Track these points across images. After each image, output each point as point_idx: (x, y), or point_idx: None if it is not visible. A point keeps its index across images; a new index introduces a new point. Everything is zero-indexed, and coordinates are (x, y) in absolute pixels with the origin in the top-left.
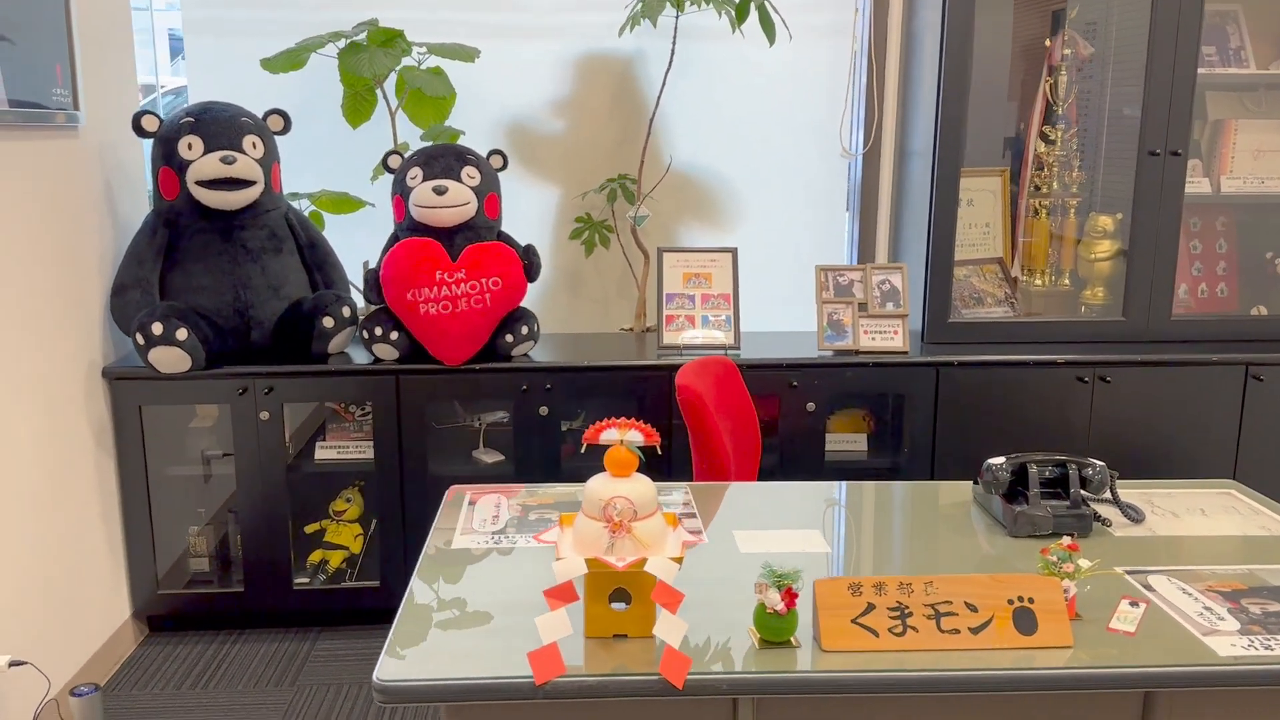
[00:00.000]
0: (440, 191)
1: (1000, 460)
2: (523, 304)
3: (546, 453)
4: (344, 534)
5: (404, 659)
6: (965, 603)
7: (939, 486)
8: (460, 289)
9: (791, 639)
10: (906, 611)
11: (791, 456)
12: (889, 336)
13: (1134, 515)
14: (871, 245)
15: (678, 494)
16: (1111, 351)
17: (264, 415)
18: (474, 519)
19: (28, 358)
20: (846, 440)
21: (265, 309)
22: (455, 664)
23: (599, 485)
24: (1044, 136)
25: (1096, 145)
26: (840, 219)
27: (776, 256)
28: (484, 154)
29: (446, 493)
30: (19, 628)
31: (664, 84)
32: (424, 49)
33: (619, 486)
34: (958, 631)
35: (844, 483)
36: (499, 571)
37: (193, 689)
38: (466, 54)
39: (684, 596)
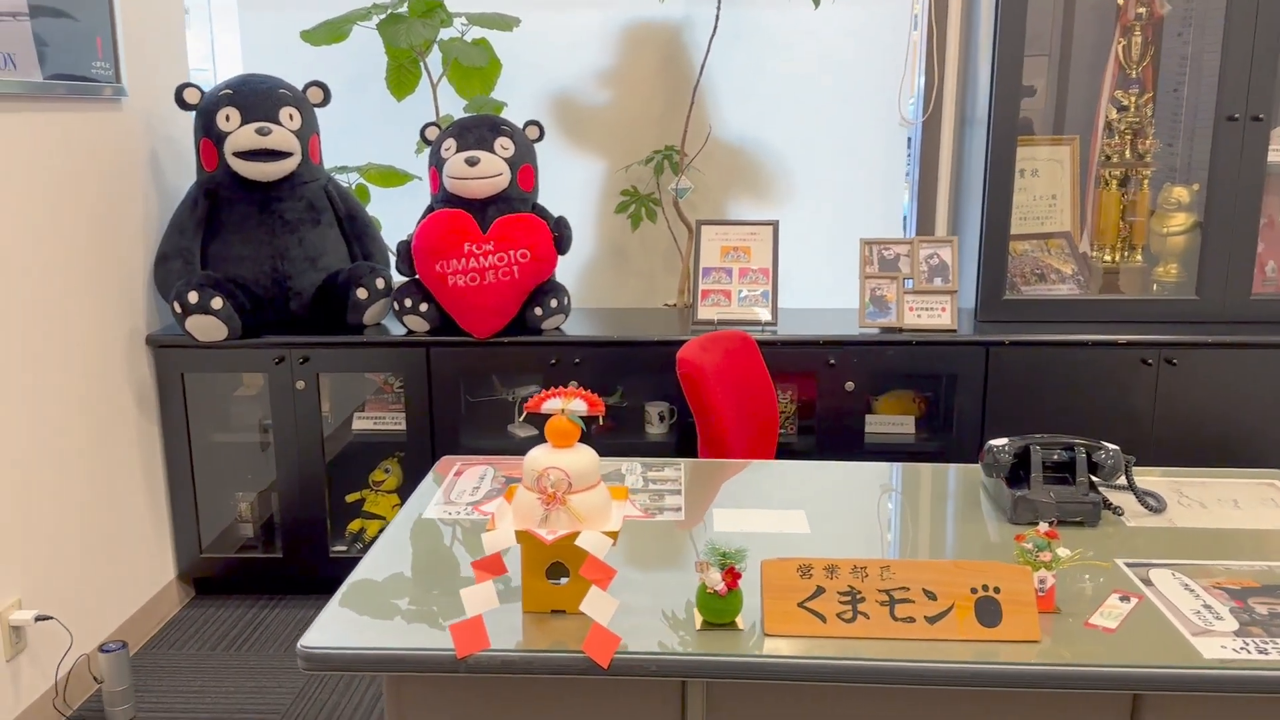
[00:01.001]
0: (472, 162)
1: (1002, 441)
2: (559, 278)
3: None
4: (382, 504)
5: (333, 627)
6: (924, 590)
7: (952, 469)
8: (488, 261)
9: (736, 621)
10: (858, 597)
11: (829, 438)
12: (936, 314)
13: (1153, 504)
14: (931, 219)
15: (670, 470)
16: (1181, 332)
17: (300, 384)
18: (454, 490)
19: (73, 324)
20: (892, 423)
21: (303, 280)
22: (383, 635)
23: (537, 455)
24: (1116, 102)
25: (1172, 110)
26: (897, 192)
27: (828, 231)
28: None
29: (438, 463)
30: (59, 585)
31: (708, 50)
32: (464, 19)
33: (558, 458)
34: (912, 620)
35: (847, 462)
36: (459, 545)
37: (227, 650)
38: (505, 23)
39: (615, 573)
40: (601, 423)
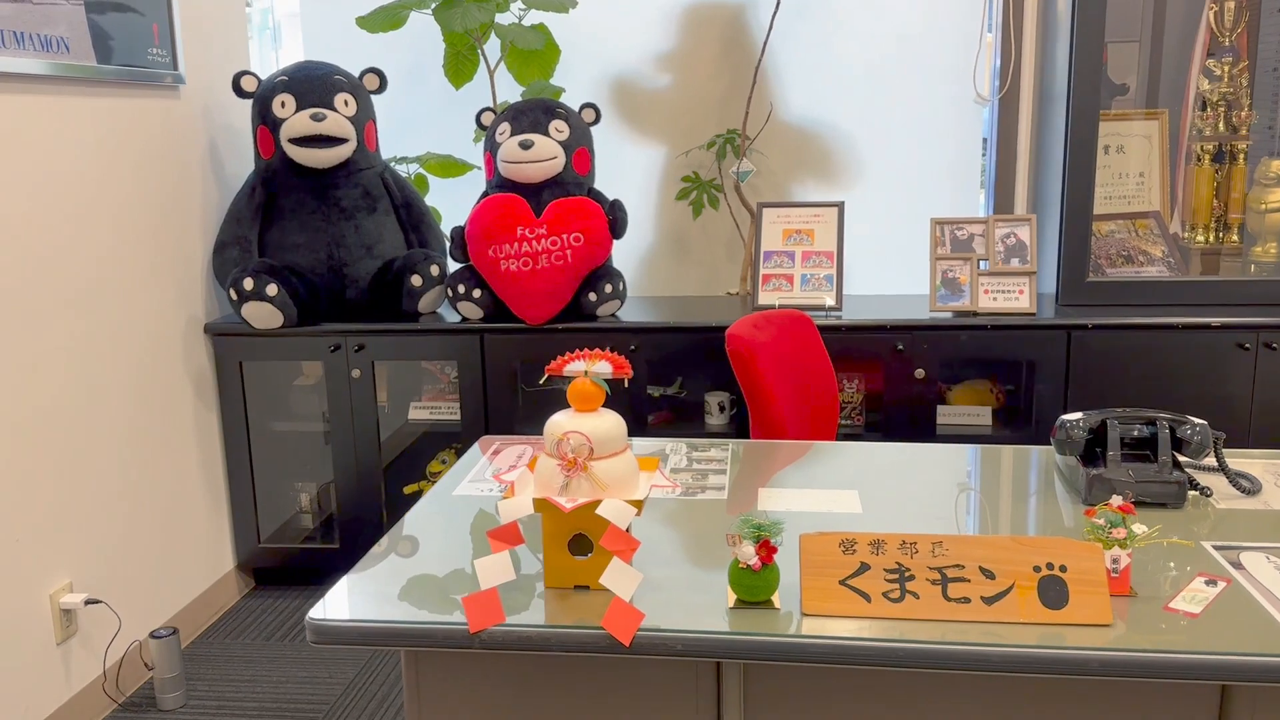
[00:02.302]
0: (526, 146)
1: (1076, 416)
2: (617, 266)
3: (633, 417)
4: None
5: (346, 601)
6: (980, 568)
7: (1025, 451)
8: (540, 245)
9: (771, 599)
10: (907, 575)
11: (897, 430)
12: (1013, 296)
13: (1246, 485)
14: (1009, 202)
15: (717, 450)
16: None
17: (355, 373)
18: (489, 468)
19: (132, 311)
20: (967, 413)
21: (359, 267)
22: (397, 609)
23: (559, 420)
24: (1208, 72)
25: (1270, 80)
26: (973, 173)
27: (897, 215)
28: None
29: (478, 442)
30: (112, 571)
31: (770, 28)
32: (521, 3)
33: (580, 422)
34: (967, 600)
35: (909, 444)
36: (487, 521)
37: (281, 641)
38: (561, 5)
39: (638, 544)
40: (627, 385)
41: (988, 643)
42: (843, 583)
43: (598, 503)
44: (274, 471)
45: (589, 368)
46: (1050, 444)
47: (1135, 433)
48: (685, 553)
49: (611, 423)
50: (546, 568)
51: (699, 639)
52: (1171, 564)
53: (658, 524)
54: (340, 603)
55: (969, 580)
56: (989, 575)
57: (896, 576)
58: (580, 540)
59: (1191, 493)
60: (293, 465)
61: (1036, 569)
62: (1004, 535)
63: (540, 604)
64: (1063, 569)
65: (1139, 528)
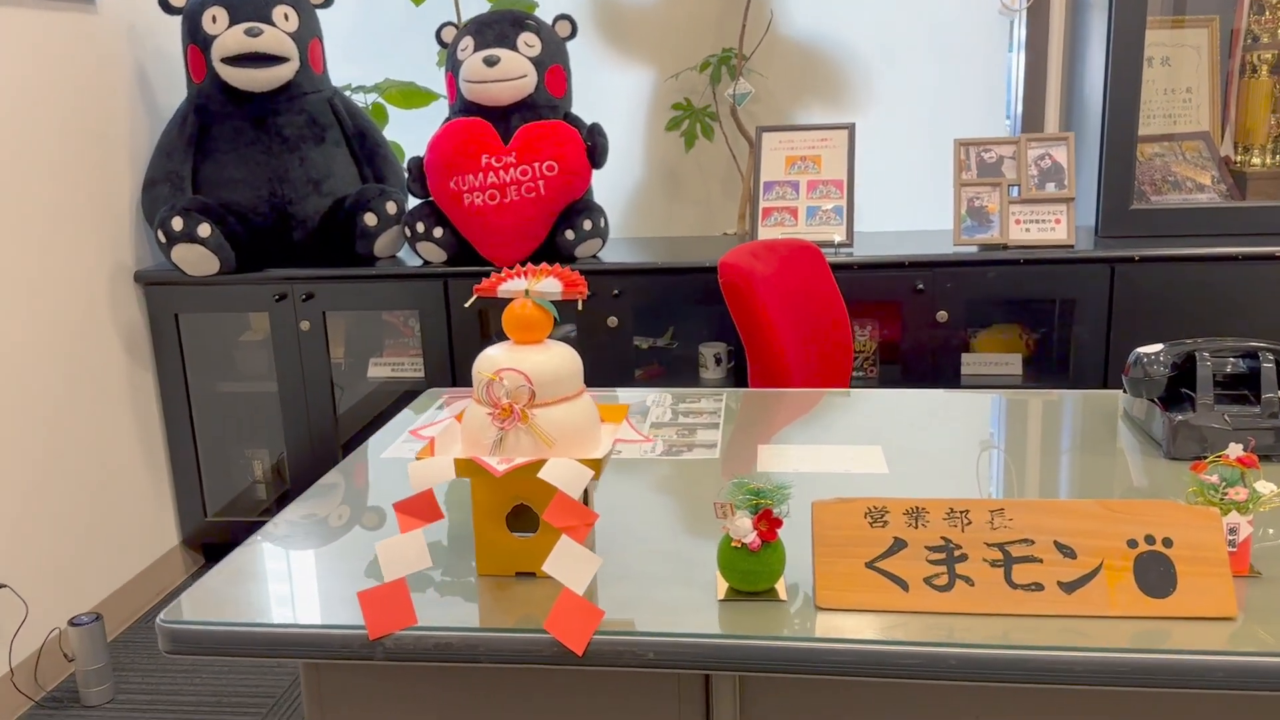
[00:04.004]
0: (491, 63)
1: (1155, 349)
2: (598, 200)
3: (618, 371)
4: None
5: (217, 598)
6: (1056, 543)
7: (1077, 396)
8: (509, 176)
9: (775, 589)
10: (957, 554)
11: (917, 380)
12: (1048, 227)
13: None
14: (1039, 124)
15: (709, 401)
16: None
17: (304, 325)
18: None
19: (50, 258)
20: (994, 362)
21: (306, 205)
22: (283, 608)
23: (492, 354)
24: None
25: None
26: (997, 93)
27: (914, 141)
28: (550, 21)
29: (425, 394)
30: (28, 551)
31: None
32: None
33: (519, 357)
34: (1039, 588)
35: (939, 390)
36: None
37: None
38: None
39: (595, 517)
40: (581, 308)
41: (1067, 645)
42: (870, 565)
43: (541, 463)
44: (222, 438)
45: (531, 286)
46: (1104, 389)
47: (1230, 368)
48: (662, 529)
49: (560, 359)
50: (478, 550)
51: (678, 644)
52: None
53: (626, 492)
54: (206, 600)
55: (1041, 560)
56: (1068, 553)
57: (943, 556)
58: (522, 514)
59: None
60: (243, 431)
61: (1132, 543)
62: (1087, 500)
63: (470, 599)
64: (1168, 543)
65: (1265, 486)
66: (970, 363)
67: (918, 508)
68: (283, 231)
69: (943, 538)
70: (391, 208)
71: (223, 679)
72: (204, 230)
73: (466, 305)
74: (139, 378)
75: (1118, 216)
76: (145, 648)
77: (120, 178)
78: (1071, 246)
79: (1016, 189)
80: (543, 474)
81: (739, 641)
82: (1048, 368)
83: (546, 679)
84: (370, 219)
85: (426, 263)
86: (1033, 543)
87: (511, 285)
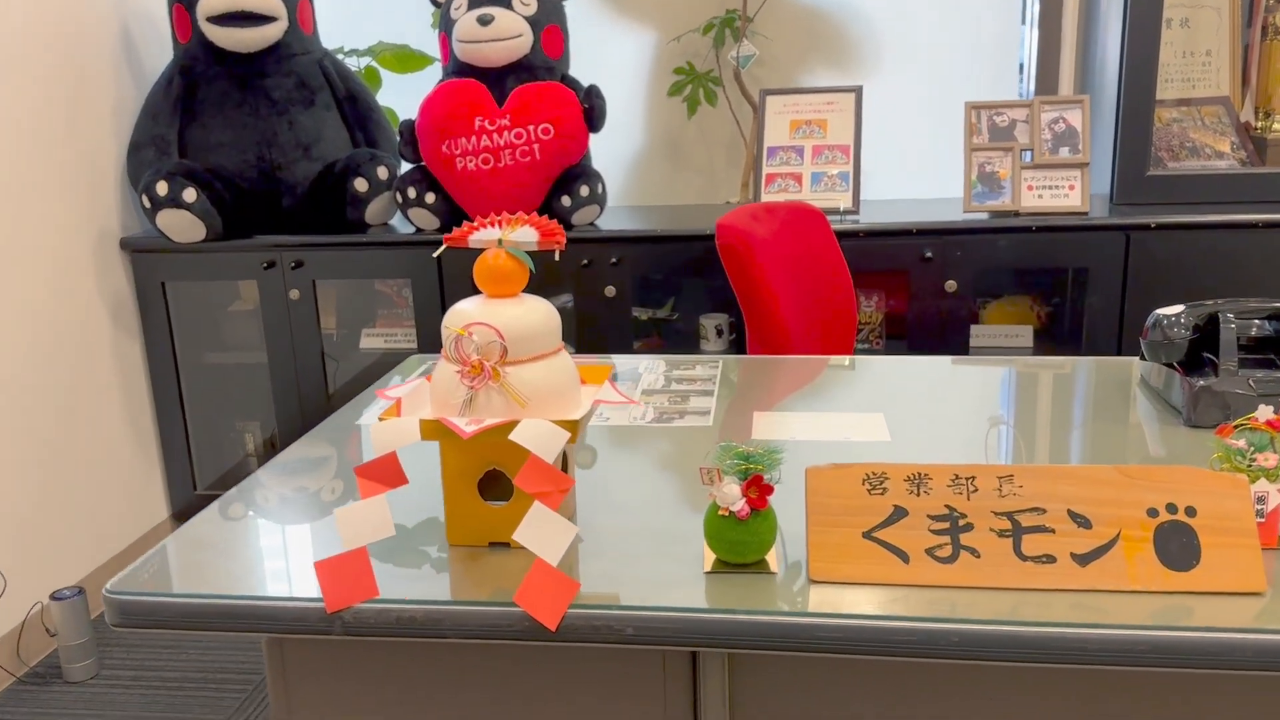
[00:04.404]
0: (485, 21)
1: (1176, 310)
2: (596, 167)
3: (616, 343)
4: None
5: (172, 567)
6: (1070, 512)
7: (1090, 362)
8: (503, 139)
9: (765, 560)
10: (962, 523)
11: (923, 350)
12: (1061, 193)
13: None
14: (1052, 85)
15: (703, 368)
16: None
17: (293, 294)
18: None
19: (33, 223)
20: (1005, 334)
21: (295, 170)
22: (240, 579)
23: (464, 309)
24: None
25: None
26: (1009, 53)
27: (924, 105)
28: None
29: (408, 360)
30: (20, 522)
31: None
32: None
33: (491, 312)
34: (1051, 560)
35: (947, 357)
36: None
37: None
38: None
39: (571, 483)
40: (558, 258)
41: (1081, 622)
42: (868, 535)
43: (513, 424)
44: (211, 410)
45: (504, 235)
46: (1117, 355)
47: (1255, 330)
48: (648, 499)
49: (535, 313)
50: (448, 519)
51: (660, 619)
52: None
53: (610, 460)
54: (158, 571)
55: (1053, 530)
56: (1083, 522)
57: (948, 526)
58: (496, 480)
59: None
60: (234, 403)
61: (1152, 512)
62: (1102, 465)
63: (439, 571)
64: (1190, 512)
65: None
66: (979, 334)
67: (920, 473)
68: (271, 197)
69: (946, 506)
70: (383, 173)
71: (209, 655)
72: (189, 195)
73: (435, 255)
74: (125, 348)
75: (1134, 183)
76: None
77: (104, 142)
78: (1086, 213)
79: (1029, 154)
80: (514, 435)
81: (726, 616)
82: (1059, 340)
83: (520, 657)
84: (361, 184)
85: (418, 230)
86: (1044, 511)
87: (484, 235)
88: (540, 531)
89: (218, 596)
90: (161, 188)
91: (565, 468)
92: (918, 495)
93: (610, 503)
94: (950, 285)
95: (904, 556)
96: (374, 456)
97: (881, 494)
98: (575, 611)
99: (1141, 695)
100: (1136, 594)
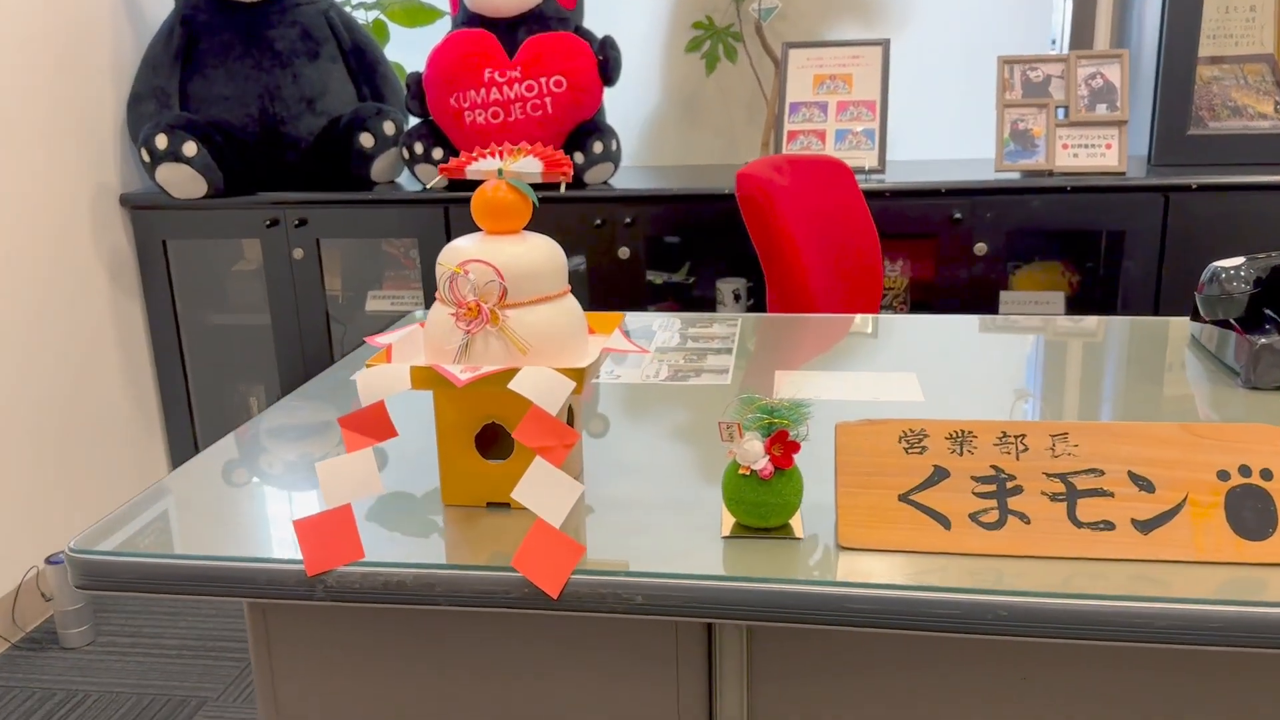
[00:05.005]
0: None
1: (1236, 263)
2: (604, 117)
3: (630, 307)
4: None
5: (141, 525)
6: (1131, 474)
7: (1135, 322)
8: (514, 91)
9: (790, 525)
10: (1011, 485)
11: (951, 314)
12: (1098, 152)
13: None
14: (1088, 40)
15: (721, 326)
16: None
17: (297, 253)
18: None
19: (28, 178)
20: (1035, 300)
21: (300, 125)
22: (218, 539)
23: (460, 246)
24: None
25: None
26: (1043, 6)
27: (953, 62)
28: None
29: (413, 313)
30: (16, 483)
31: None
32: None
33: (491, 249)
34: (1110, 526)
35: (981, 316)
36: (405, 413)
37: None
38: None
39: (577, 437)
40: (564, 190)
41: (1142, 595)
42: (905, 498)
43: (512, 373)
44: (215, 372)
45: (505, 166)
46: (1162, 316)
47: None
48: (661, 460)
49: (540, 251)
50: (442, 476)
51: (673, 586)
52: None
53: (621, 418)
54: (125, 529)
55: (1112, 494)
56: (1145, 485)
57: (994, 488)
58: (494, 434)
59: None
60: (238, 365)
61: (1223, 475)
62: (1167, 423)
63: (432, 532)
64: (1266, 475)
65: None
66: (1009, 301)
67: (963, 430)
68: (275, 152)
69: (993, 466)
70: (390, 128)
71: (209, 622)
72: (190, 149)
73: (429, 186)
74: (125, 307)
75: (1173, 143)
76: None
77: (104, 94)
78: (1123, 174)
79: (1064, 111)
80: (514, 384)
81: (746, 585)
82: (1093, 307)
83: (519, 627)
84: (367, 140)
85: (426, 188)
86: (1102, 473)
87: (482, 165)
88: (542, 490)
89: (189, 558)
90: (161, 141)
91: (571, 421)
92: (961, 455)
93: (620, 463)
94: (980, 248)
95: (945, 522)
96: (360, 406)
97: (920, 453)
98: (580, 578)
99: (1209, 678)
100: (1204, 565)
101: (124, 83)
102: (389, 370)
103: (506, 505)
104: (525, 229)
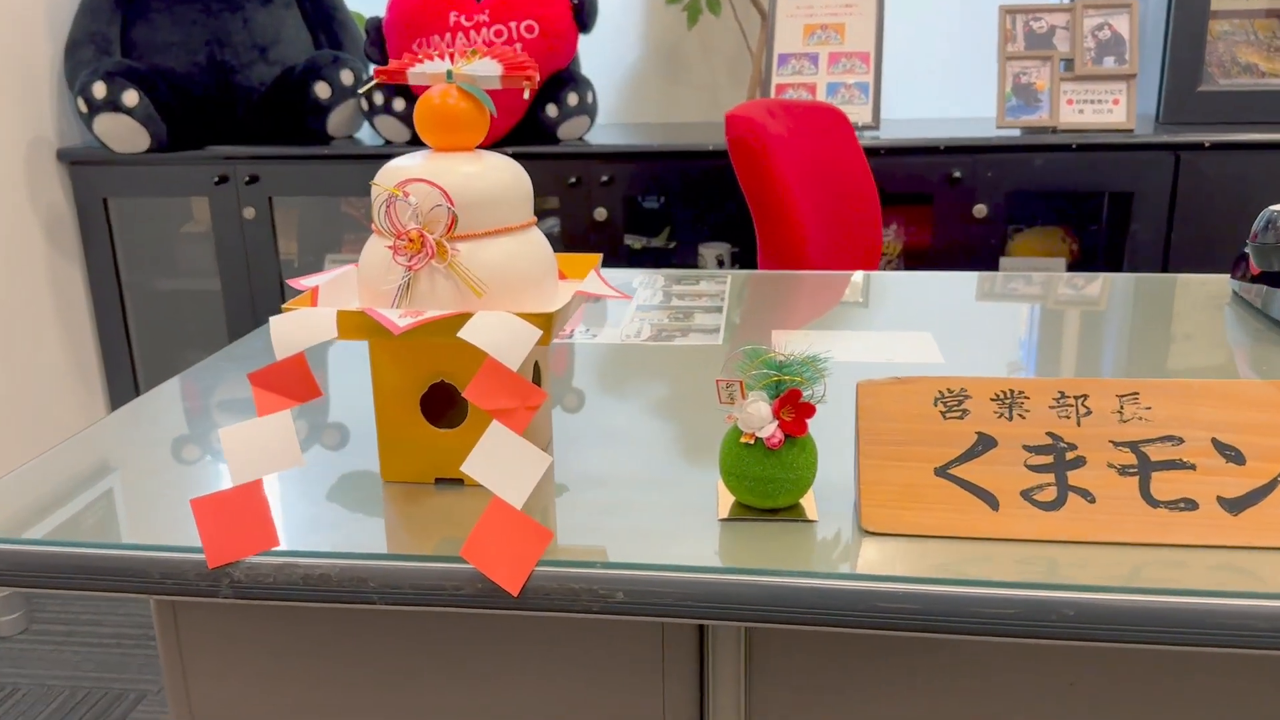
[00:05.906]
0: None
1: None
2: (579, 67)
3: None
4: None
5: (21, 508)
6: (1215, 442)
7: (1171, 280)
8: (481, 37)
9: (800, 506)
10: (1071, 457)
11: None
12: (1105, 108)
13: None
14: None
15: (710, 284)
16: None
17: (249, 212)
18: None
19: None
20: (1035, 266)
21: (251, 73)
22: (113, 524)
23: (400, 164)
24: None
25: None
26: None
27: (953, 10)
28: None
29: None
30: None
31: None
32: None
33: (437, 168)
34: (1192, 506)
35: (995, 273)
36: (340, 372)
37: None
38: None
39: (544, 397)
40: (528, 96)
41: (1229, 591)
42: (943, 472)
43: (465, 318)
44: (162, 341)
45: (457, 69)
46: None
47: None
48: (644, 429)
49: (499, 171)
50: (381, 447)
51: (660, 581)
52: None
53: (597, 382)
54: (5, 510)
55: (1193, 466)
56: (1233, 456)
57: (1051, 460)
58: (445, 396)
59: None
60: (186, 333)
61: None
62: (1256, 380)
63: (370, 515)
64: None
65: None
66: (1008, 268)
67: (1012, 390)
68: (224, 104)
69: (1049, 434)
70: (347, 77)
71: (148, 610)
72: (130, 98)
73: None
74: (64, 270)
75: (1183, 100)
76: None
77: (38, 40)
78: (1131, 131)
79: (1069, 64)
80: (464, 332)
81: (747, 578)
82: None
83: (476, 627)
84: (323, 90)
85: (387, 142)
86: (1181, 441)
87: (428, 67)
88: (500, 462)
89: (68, 545)
90: (99, 89)
91: (538, 380)
92: (1010, 419)
93: (595, 433)
94: (979, 210)
95: (992, 501)
96: (274, 360)
97: (960, 417)
98: (546, 570)
99: None
100: None
101: (61, 28)
102: (310, 315)
103: (459, 482)
104: (481, 149)
